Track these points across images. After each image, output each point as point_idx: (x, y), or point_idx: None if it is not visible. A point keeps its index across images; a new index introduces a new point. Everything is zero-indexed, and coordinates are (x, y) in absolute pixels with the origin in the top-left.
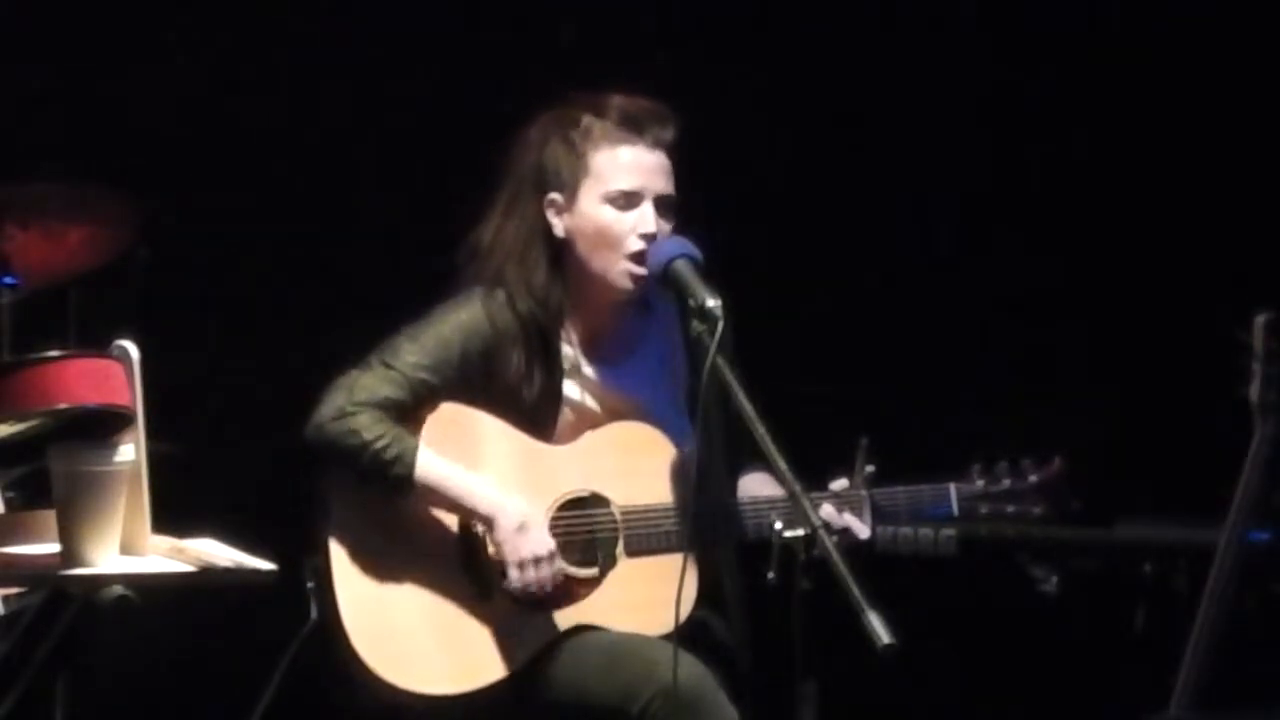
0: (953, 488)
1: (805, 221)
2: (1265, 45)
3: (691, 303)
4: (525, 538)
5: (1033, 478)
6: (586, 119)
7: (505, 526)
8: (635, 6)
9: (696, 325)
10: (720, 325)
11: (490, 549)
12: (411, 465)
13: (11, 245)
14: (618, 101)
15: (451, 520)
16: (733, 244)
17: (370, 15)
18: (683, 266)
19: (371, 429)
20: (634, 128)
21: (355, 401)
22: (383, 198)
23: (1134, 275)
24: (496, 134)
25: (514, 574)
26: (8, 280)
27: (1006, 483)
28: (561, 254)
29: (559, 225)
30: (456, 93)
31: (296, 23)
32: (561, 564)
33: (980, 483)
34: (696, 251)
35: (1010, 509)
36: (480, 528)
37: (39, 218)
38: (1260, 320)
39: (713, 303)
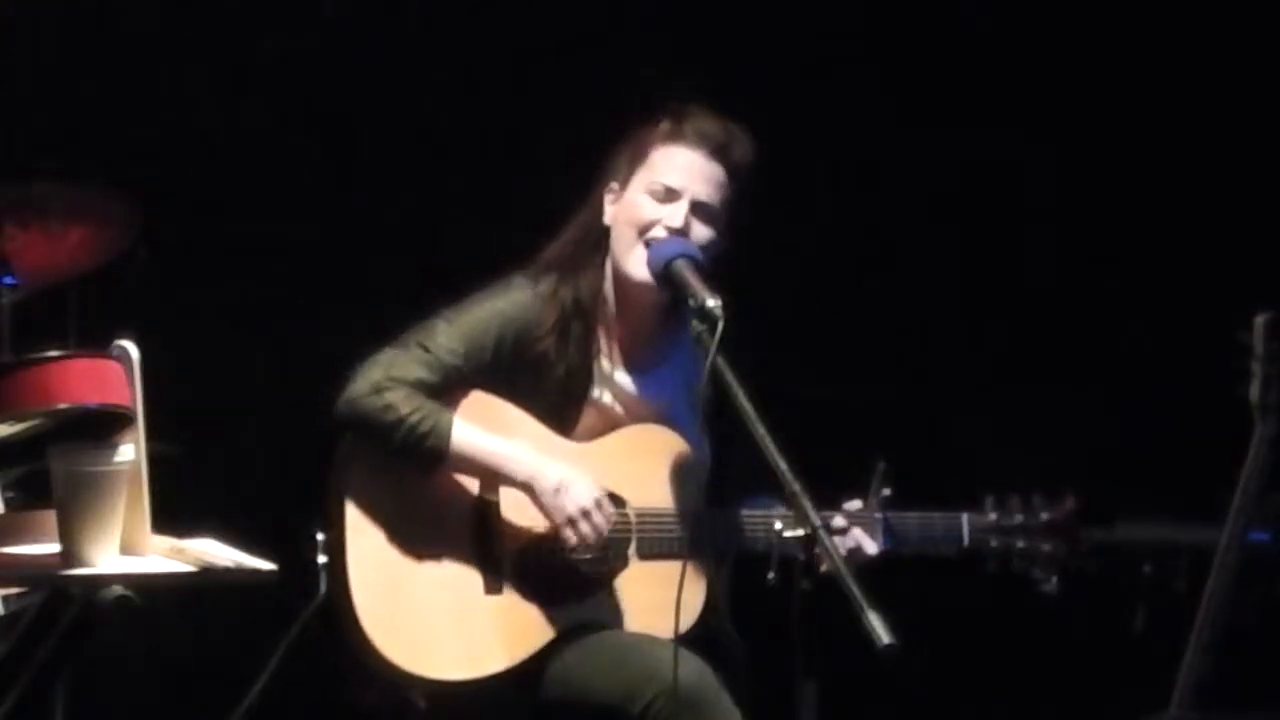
0: (965, 518)
1: (811, 228)
2: (1265, 45)
3: (692, 302)
4: (566, 496)
5: (1044, 515)
6: (665, 122)
7: (545, 490)
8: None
9: (696, 325)
10: (720, 325)
11: (503, 532)
12: (446, 437)
13: (11, 245)
14: (698, 111)
15: (467, 508)
16: (744, 248)
17: (372, 14)
18: (683, 266)
19: (406, 404)
20: (700, 135)
21: (389, 378)
22: (383, 197)
23: (1134, 275)
24: (499, 134)
25: (567, 534)
26: (8, 280)
27: (1019, 518)
28: (607, 243)
29: (609, 212)
30: (457, 93)
31: (297, 22)
32: (610, 508)
33: (993, 515)
34: (697, 252)
35: (1020, 544)
36: (496, 502)
37: (39, 218)
38: (1260, 320)
39: (713, 303)
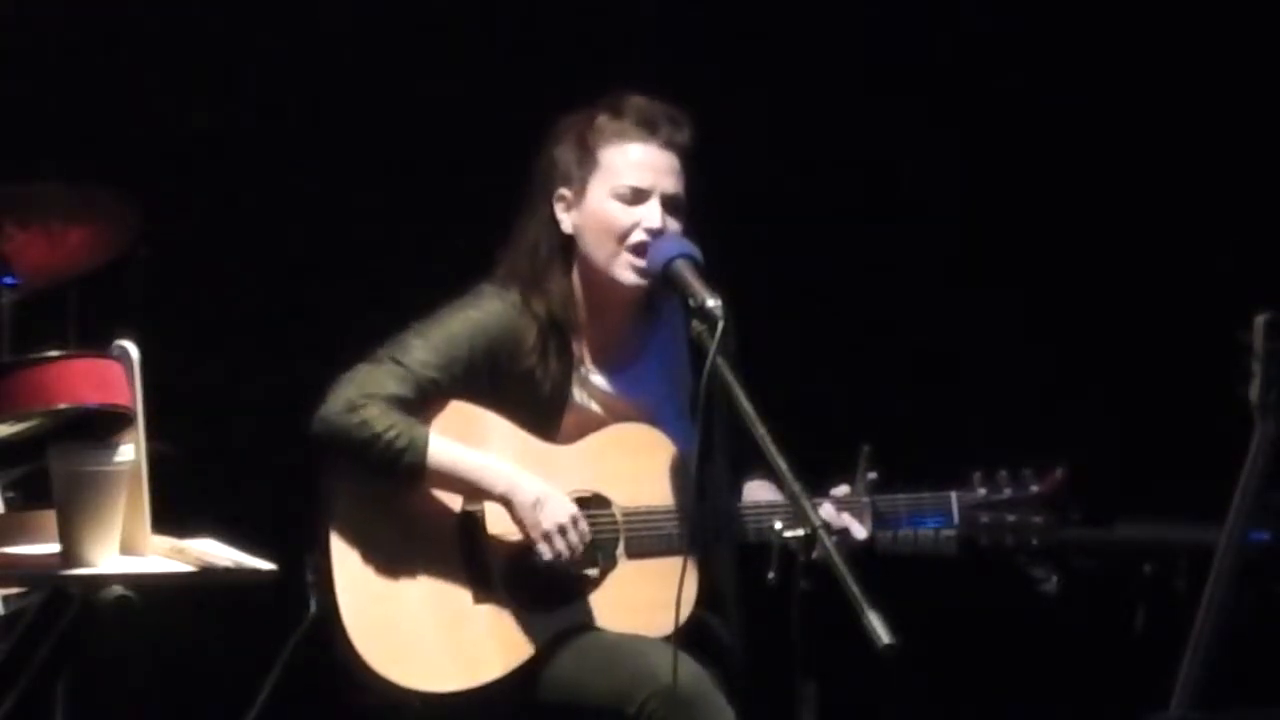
0: (954, 495)
1: (808, 225)
2: (1265, 45)
3: (691, 302)
4: (544, 511)
5: (1034, 487)
6: (602, 117)
7: (522, 504)
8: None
9: (696, 325)
10: (720, 325)
11: (490, 540)
12: (423, 453)
13: (11, 245)
14: (634, 101)
15: (453, 518)
16: (736, 247)
17: (373, 14)
18: (683, 266)
19: (381, 420)
20: (647, 127)
21: (364, 394)
22: (384, 197)
23: (1134, 276)
24: (497, 134)
25: (542, 549)
26: (8, 280)
27: (1008, 492)
28: (570, 252)
29: (566, 221)
30: (457, 93)
31: (298, 21)
32: (585, 526)
33: (981, 491)
34: (696, 251)
35: (1011, 518)
36: (481, 511)
37: (39, 218)
38: (1260, 320)
39: (712, 303)
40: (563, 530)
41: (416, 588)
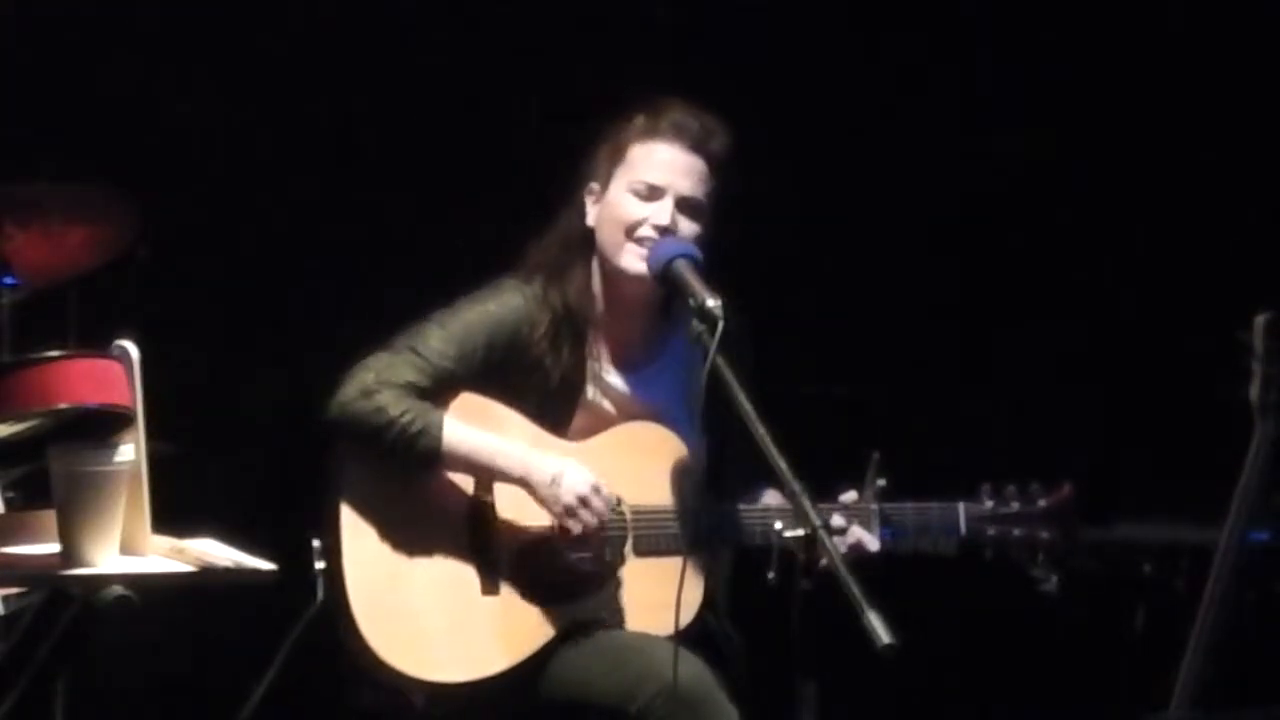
0: (961, 507)
1: (808, 232)
2: (1265, 45)
3: (692, 302)
4: (562, 486)
5: (1041, 503)
6: (639, 118)
7: (540, 484)
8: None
9: (696, 325)
10: (720, 325)
11: (499, 532)
12: (439, 437)
13: (11, 245)
14: (673, 105)
15: (463, 509)
16: (742, 250)
17: (374, 13)
18: (683, 266)
19: (396, 405)
20: (678, 130)
21: (379, 380)
22: (384, 196)
23: (1134, 275)
24: (498, 133)
25: (569, 524)
26: (8, 280)
27: (1015, 506)
28: (591, 244)
29: (591, 214)
30: (456, 92)
31: (298, 19)
32: (607, 492)
33: (989, 504)
34: (697, 252)
35: (1017, 532)
36: (492, 501)
37: (39, 218)
38: (1260, 320)
39: (712, 303)
40: (584, 502)
41: (425, 577)
